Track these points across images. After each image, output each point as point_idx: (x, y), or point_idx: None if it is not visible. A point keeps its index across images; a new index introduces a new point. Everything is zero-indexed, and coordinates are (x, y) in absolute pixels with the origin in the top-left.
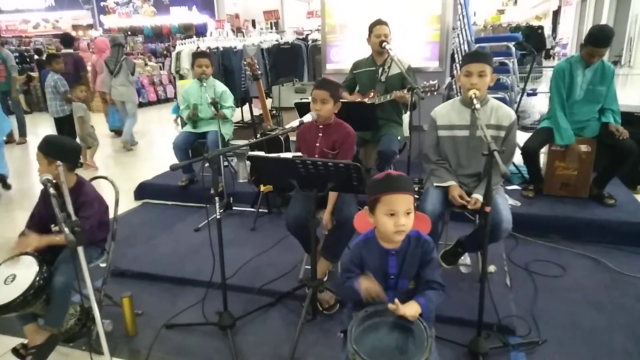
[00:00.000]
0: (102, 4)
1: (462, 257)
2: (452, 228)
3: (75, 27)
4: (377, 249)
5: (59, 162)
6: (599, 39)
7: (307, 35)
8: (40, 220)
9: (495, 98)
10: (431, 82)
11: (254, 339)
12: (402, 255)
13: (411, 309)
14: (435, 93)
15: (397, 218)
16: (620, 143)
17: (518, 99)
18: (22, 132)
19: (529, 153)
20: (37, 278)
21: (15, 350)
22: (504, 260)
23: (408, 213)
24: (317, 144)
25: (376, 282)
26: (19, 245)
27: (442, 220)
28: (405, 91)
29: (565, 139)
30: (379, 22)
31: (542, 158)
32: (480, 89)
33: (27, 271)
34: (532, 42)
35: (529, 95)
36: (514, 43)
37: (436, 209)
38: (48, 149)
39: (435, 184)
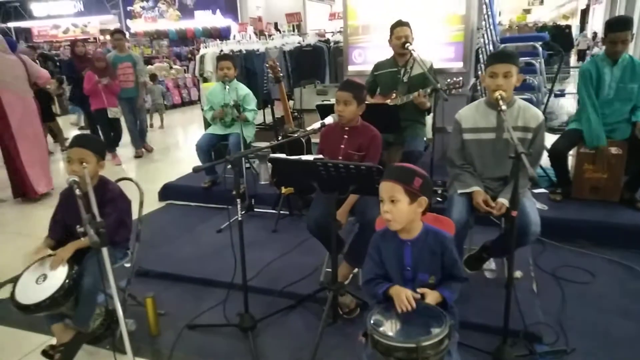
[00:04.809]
0: (128, 8)
1: (487, 262)
2: (477, 232)
3: (102, 32)
4: (393, 239)
5: (100, 158)
6: (615, 23)
7: (329, 38)
8: (63, 226)
9: (522, 99)
10: (455, 79)
11: (275, 342)
12: (418, 246)
13: (430, 298)
14: (460, 90)
15: (382, 205)
16: None
17: (545, 100)
18: (144, 139)
19: (557, 155)
20: (67, 280)
21: (44, 352)
22: (530, 266)
23: (392, 201)
24: (342, 146)
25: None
26: (54, 264)
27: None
28: (428, 91)
29: (595, 141)
30: (400, 24)
31: (570, 161)
32: (506, 90)
33: (58, 272)
34: (560, 41)
35: (556, 96)
36: (540, 43)
37: (463, 218)
38: (95, 145)
39: (459, 191)
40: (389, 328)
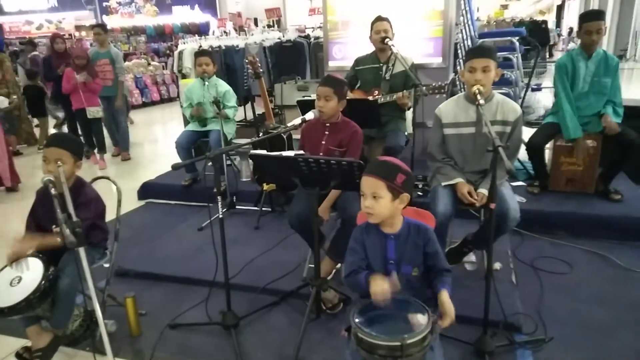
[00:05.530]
0: (104, 4)
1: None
2: (456, 225)
3: (78, 28)
4: (376, 233)
5: (77, 159)
6: (589, 13)
7: (309, 33)
8: (39, 223)
9: (500, 94)
10: (440, 83)
11: (258, 339)
12: (401, 240)
13: (451, 313)
14: (444, 95)
15: (364, 200)
16: (624, 137)
17: (522, 95)
18: (125, 146)
19: (534, 149)
20: (43, 281)
21: (18, 355)
22: (509, 257)
23: (375, 197)
24: (323, 142)
25: (388, 282)
26: (13, 254)
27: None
28: (413, 92)
29: (572, 133)
30: (379, 19)
31: (547, 154)
32: (484, 85)
33: (33, 274)
34: (536, 36)
35: (533, 90)
36: (517, 38)
37: (448, 210)
38: (72, 145)
39: (443, 183)
40: (372, 324)
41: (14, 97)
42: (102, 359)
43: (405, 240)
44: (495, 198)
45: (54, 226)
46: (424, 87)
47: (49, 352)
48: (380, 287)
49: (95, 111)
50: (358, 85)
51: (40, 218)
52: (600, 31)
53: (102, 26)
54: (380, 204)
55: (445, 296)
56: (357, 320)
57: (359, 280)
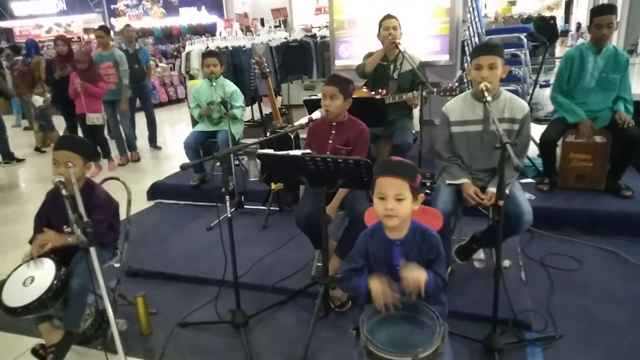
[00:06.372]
0: (112, 7)
1: (476, 252)
2: (466, 223)
3: (86, 31)
4: (382, 239)
5: (87, 160)
6: (600, 7)
7: (315, 33)
8: (47, 224)
9: (508, 90)
10: (450, 85)
11: (267, 337)
12: (407, 246)
13: (418, 272)
14: (456, 96)
15: (386, 202)
16: (627, 132)
17: (531, 91)
18: (132, 147)
19: (547, 144)
20: (55, 281)
21: (34, 351)
22: (518, 255)
23: (399, 199)
24: (330, 141)
25: (388, 284)
26: (37, 244)
27: (454, 216)
28: (424, 94)
29: (574, 116)
30: (388, 16)
31: (557, 150)
32: (491, 82)
33: (45, 274)
34: (544, 32)
35: (541, 86)
36: (525, 34)
37: (448, 208)
38: (81, 147)
39: (447, 182)
40: (382, 334)
41: (48, 95)
42: (114, 357)
43: (410, 246)
44: (504, 195)
45: (65, 226)
46: (435, 89)
47: (63, 348)
48: (382, 291)
49: (95, 118)
50: (366, 81)
51: (51, 219)
52: (611, 25)
53: (104, 28)
54: (403, 205)
55: (420, 269)
56: (366, 330)
57: (359, 289)
